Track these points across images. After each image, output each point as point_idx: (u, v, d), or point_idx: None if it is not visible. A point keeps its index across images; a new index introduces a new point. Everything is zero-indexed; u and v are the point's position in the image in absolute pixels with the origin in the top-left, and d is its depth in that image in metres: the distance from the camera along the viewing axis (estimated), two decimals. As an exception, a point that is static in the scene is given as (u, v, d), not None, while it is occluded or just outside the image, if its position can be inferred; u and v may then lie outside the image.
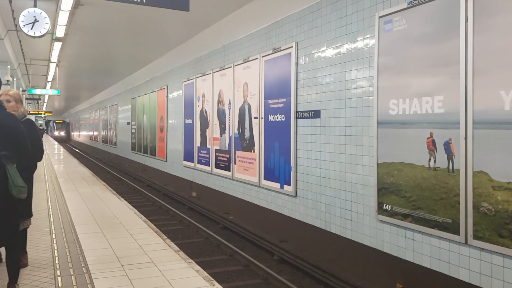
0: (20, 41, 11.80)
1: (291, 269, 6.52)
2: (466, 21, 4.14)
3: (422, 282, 4.78)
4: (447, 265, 4.41)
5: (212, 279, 4.17)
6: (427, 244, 4.64)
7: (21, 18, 7.70)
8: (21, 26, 7.72)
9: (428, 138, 4.55)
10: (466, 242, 4.14)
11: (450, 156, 4.30)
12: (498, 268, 3.89)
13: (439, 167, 4.42)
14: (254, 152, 8.42)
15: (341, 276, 5.70)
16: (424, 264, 4.68)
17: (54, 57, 13.45)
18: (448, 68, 4.34)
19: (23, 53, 13.63)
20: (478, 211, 4.00)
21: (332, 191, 6.18)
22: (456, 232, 4.22)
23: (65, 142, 56.08)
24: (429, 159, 4.53)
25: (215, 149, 10.37)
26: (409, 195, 4.78)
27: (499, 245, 3.81)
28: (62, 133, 61.93)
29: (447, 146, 4.33)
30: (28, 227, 4.55)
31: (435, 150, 4.47)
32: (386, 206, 5.11)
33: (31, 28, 7.71)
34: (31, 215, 4.52)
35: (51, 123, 65.05)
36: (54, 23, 9.01)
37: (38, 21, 7.69)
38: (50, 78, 18.21)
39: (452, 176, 4.27)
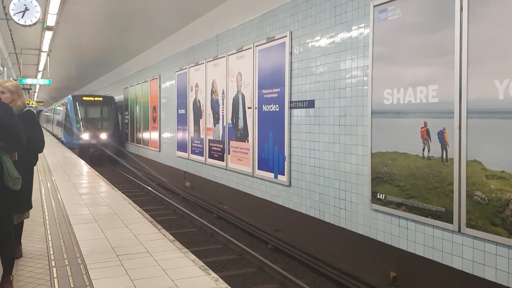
0: (10, 30, 11.64)
1: (285, 257, 6.56)
2: (461, 10, 4.14)
3: (416, 270, 4.83)
4: (440, 253, 4.46)
5: (208, 268, 4.18)
6: (420, 232, 4.68)
7: (11, 6, 7.61)
8: (12, 15, 7.63)
9: (422, 128, 4.57)
10: (459, 231, 4.18)
11: (444, 145, 4.32)
12: (491, 256, 3.94)
13: (433, 156, 4.45)
14: (248, 142, 8.41)
15: (334, 264, 5.74)
16: (418, 252, 4.73)
17: (45, 46, 13.32)
18: (442, 57, 4.34)
19: (13, 42, 13.47)
20: (472, 200, 4.03)
21: (326, 181, 6.20)
22: (450, 220, 4.26)
23: (112, 161, 19.16)
24: (423, 149, 4.56)
25: (209, 139, 10.35)
26: (403, 184, 4.81)
27: (492, 233, 3.86)
28: (104, 135, 19.01)
29: (441, 135, 4.35)
30: (27, 218, 4.56)
31: (429, 140, 4.49)
32: (379, 195, 5.14)
33: (22, 17, 7.63)
34: (31, 207, 4.54)
35: (68, 108, 19.89)
36: (45, 12, 8.90)
37: (28, 9, 7.60)
38: (41, 68, 18.04)
39: (446, 165, 4.29)
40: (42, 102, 37.84)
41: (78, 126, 18.93)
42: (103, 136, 18.93)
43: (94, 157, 18.50)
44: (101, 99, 19.98)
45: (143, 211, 6.81)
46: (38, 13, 7.78)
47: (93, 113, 19.53)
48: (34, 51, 15.08)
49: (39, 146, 4.48)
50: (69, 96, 20.30)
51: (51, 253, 4.64)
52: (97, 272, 4.06)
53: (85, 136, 18.70)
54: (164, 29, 11.50)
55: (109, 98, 20.44)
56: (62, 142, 21.97)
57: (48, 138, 26.99)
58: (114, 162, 19.06)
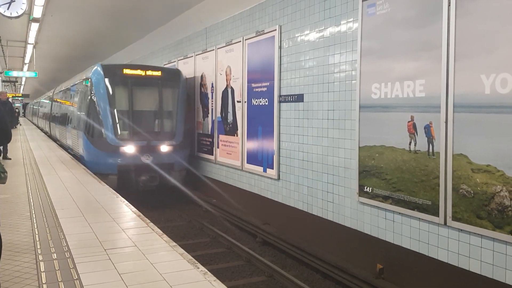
0: (-5, 22, 11.47)
1: (273, 250, 6.60)
2: (449, 5, 4.17)
3: (402, 262, 4.89)
4: (426, 245, 4.51)
5: (196, 262, 4.18)
6: (406, 225, 4.74)
7: (-4, -3, 7.49)
8: (-3, 6, 7.51)
9: (409, 122, 4.61)
10: (445, 223, 4.23)
11: (430, 139, 4.37)
12: (476, 249, 4.00)
13: (419, 150, 4.49)
14: (237, 136, 8.41)
15: (322, 257, 5.79)
16: (404, 245, 4.78)
17: (31, 39, 13.16)
18: (430, 52, 4.37)
19: (-2, 34, 13.28)
20: (457, 193, 4.09)
21: (315, 174, 6.23)
22: (436, 213, 4.31)
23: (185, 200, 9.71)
24: (410, 142, 4.60)
25: (198, 133, 10.32)
26: (390, 178, 4.85)
27: (477, 226, 3.92)
28: (166, 147, 9.29)
29: (428, 129, 4.40)
30: None
31: (415, 134, 4.53)
32: (367, 188, 5.18)
33: (8, 9, 7.53)
34: None
35: (94, 90, 9.32)
36: (31, 4, 8.77)
37: (14, 1, 7.50)
38: (27, 60, 17.82)
39: (432, 159, 4.34)
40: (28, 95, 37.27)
41: (116, 128, 9.30)
42: (165, 148, 9.47)
43: (149, 192, 9.59)
44: (159, 73, 9.89)
45: (130, 205, 6.78)
46: (24, 5, 7.68)
47: (145, 101, 9.84)
48: (20, 43, 14.88)
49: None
50: (96, 66, 9.88)
51: (38, 247, 4.61)
52: (85, 266, 4.03)
53: (130, 149, 9.18)
54: (153, 21, 11.41)
55: (174, 72, 10.40)
56: (80, 160, 10.82)
57: (41, 135, 26.64)
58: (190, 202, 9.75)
